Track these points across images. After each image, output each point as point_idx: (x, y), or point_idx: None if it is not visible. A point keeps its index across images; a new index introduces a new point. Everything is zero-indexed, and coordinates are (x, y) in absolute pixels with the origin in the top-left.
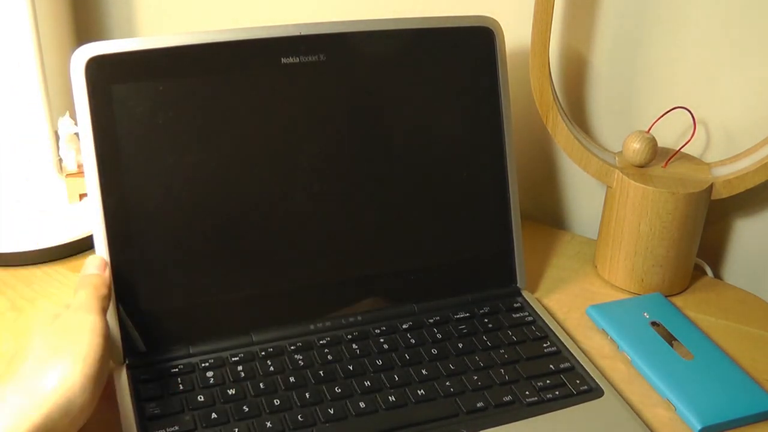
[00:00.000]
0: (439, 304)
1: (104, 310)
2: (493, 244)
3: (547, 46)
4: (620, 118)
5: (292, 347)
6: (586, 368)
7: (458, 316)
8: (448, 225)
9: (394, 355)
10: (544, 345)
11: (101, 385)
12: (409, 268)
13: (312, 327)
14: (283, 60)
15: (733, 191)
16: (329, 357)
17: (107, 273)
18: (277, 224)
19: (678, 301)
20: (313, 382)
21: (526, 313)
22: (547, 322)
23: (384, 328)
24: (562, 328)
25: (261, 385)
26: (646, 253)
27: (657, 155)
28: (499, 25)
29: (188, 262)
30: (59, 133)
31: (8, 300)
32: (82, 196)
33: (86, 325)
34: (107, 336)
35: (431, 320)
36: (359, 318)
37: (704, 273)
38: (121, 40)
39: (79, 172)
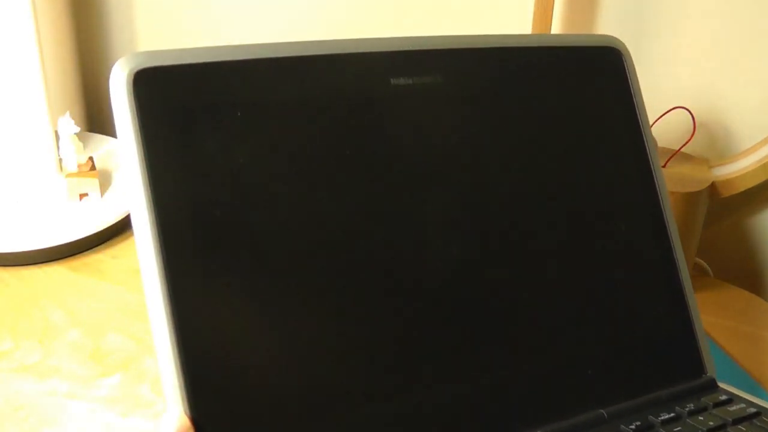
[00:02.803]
0: (631, 406)
1: None
2: (666, 323)
3: None
4: None
5: None
6: None
7: (663, 418)
8: (612, 297)
9: None
10: None
11: None
12: (584, 361)
13: None
14: (394, 81)
15: (733, 191)
16: None
17: None
18: (407, 305)
19: None
20: None
21: (743, 405)
22: None
23: None
24: None
25: None
26: None
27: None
28: (624, 44)
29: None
30: (59, 132)
31: (8, 300)
32: (82, 195)
33: None
34: None
35: (632, 426)
36: None
37: (704, 273)
38: (182, 50)
39: (80, 172)
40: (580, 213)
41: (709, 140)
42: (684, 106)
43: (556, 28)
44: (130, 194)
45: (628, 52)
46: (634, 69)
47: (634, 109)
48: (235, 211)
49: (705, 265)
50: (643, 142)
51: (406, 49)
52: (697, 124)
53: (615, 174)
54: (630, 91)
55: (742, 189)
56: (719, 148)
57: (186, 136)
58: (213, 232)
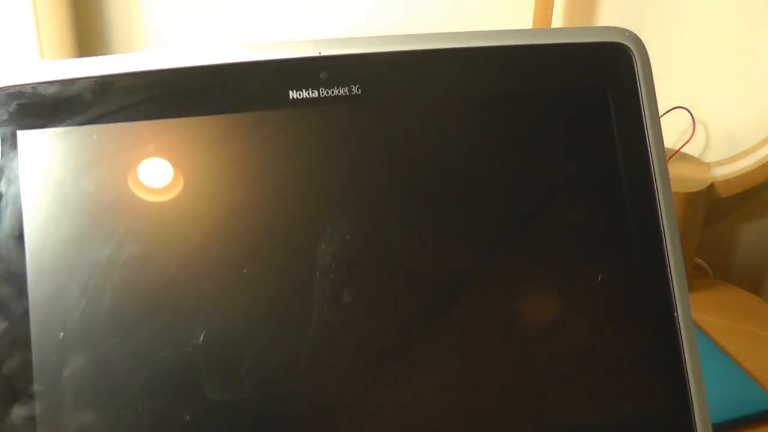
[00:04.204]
0: None
1: None
2: (656, 399)
3: None
4: None
5: None
6: None
7: None
8: (575, 367)
9: None
10: None
11: None
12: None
13: None
14: (293, 95)
15: (732, 191)
16: None
17: None
18: (284, 364)
19: None
20: None
21: None
22: None
23: None
24: None
25: None
26: None
27: None
28: (639, 40)
29: None
30: None
31: None
32: None
33: None
34: None
35: None
36: None
37: (704, 273)
38: (37, 65)
39: None
40: (534, 247)
41: (709, 140)
42: (684, 106)
43: (557, 24)
44: None
45: (643, 47)
46: (649, 69)
47: (643, 127)
48: (81, 248)
49: (705, 265)
50: (650, 170)
51: (310, 54)
52: (697, 124)
53: (603, 201)
54: (639, 101)
55: (741, 189)
56: (719, 148)
57: (36, 161)
58: (57, 259)
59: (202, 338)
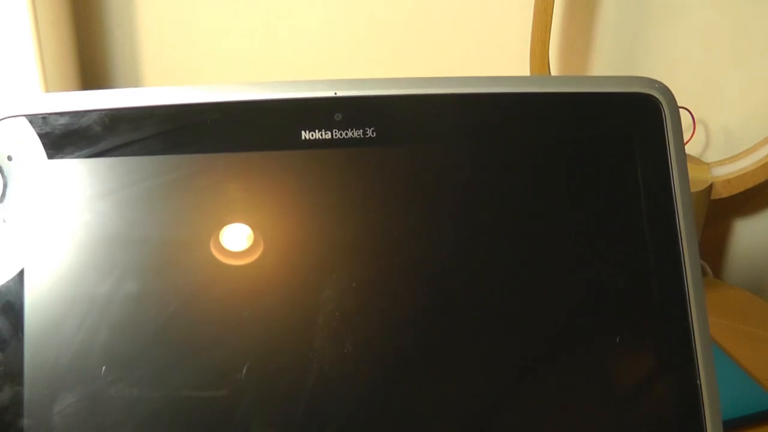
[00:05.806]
0: None
1: None
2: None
3: (547, 47)
4: None
5: None
6: None
7: None
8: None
9: None
10: None
11: None
12: None
13: None
14: (305, 135)
15: (733, 191)
16: None
17: None
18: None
19: None
20: None
21: None
22: None
23: None
24: None
25: None
26: None
27: None
28: (669, 91)
29: None
30: None
31: None
32: None
33: None
34: None
35: None
36: None
37: (704, 273)
38: (46, 96)
39: None
40: (558, 307)
41: (709, 140)
42: (684, 106)
43: (556, 29)
44: None
45: (672, 98)
46: (678, 121)
47: (670, 180)
48: (80, 282)
49: (705, 265)
50: (676, 225)
51: (325, 95)
52: (697, 124)
53: (625, 260)
54: (666, 153)
55: (742, 189)
56: (719, 148)
57: (41, 192)
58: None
59: (197, 382)
